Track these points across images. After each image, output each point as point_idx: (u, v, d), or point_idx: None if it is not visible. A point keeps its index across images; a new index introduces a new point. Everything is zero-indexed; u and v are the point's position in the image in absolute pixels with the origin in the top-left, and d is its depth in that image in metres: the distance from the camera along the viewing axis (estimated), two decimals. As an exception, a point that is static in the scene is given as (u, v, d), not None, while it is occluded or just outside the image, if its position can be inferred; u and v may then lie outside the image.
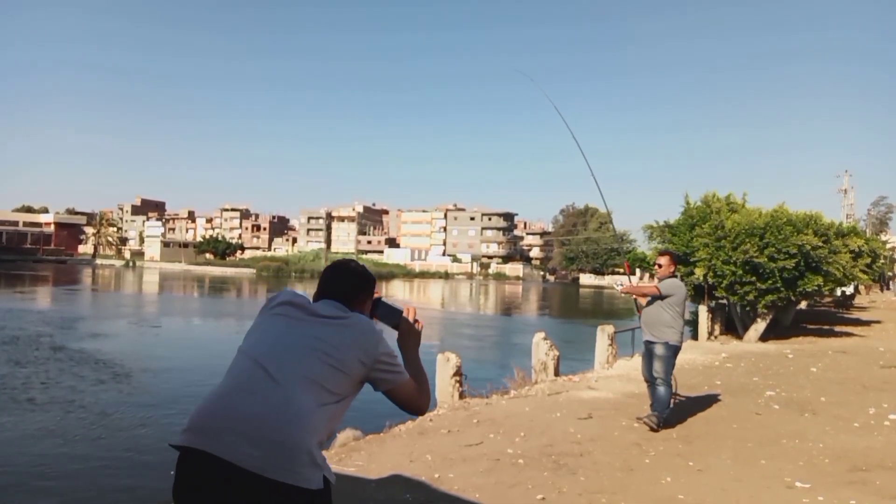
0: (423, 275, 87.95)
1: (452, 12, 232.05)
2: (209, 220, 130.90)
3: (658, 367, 6.19)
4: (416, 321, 2.00)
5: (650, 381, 6.34)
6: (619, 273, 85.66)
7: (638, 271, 47.28)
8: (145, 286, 51.11)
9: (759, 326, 14.67)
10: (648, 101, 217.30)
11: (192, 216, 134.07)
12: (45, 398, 10.85)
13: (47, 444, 8.37)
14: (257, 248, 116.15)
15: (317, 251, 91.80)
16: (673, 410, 6.55)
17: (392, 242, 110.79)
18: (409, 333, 1.96)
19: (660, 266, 6.38)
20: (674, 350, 6.22)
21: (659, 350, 6.21)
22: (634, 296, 6.61)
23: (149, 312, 29.88)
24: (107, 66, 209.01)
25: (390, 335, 1.95)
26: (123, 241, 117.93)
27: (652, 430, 6.06)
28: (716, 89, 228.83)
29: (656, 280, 6.47)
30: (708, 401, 7.56)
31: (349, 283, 1.93)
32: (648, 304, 6.37)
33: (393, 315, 1.94)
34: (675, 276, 6.48)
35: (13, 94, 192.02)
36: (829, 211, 63.71)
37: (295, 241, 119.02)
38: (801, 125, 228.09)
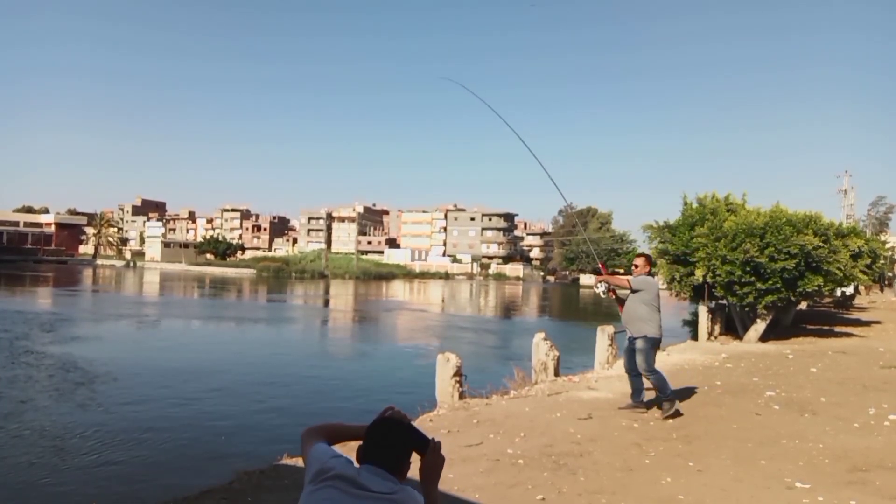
0: (424, 275, 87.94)
1: (452, 16, 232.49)
2: (209, 221, 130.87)
3: (640, 360, 6.69)
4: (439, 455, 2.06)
5: (631, 373, 6.90)
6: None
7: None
8: (146, 287, 51.10)
9: (759, 327, 14.64)
10: (651, 102, 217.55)
11: (192, 216, 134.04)
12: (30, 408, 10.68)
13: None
14: (258, 249, 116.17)
15: (317, 251, 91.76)
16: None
17: (392, 243, 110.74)
18: (433, 467, 2.01)
19: (636, 266, 7.02)
20: (652, 342, 6.73)
21: (639, 344, 6.72)
22: (611, 291, 7.22)
23: (148, 314, 29.88)
24: (107, 69, 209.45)
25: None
26: (124, 241, 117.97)
27: (677, 413, 6.60)
28: (717, 91, 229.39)
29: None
30: (708, 401, 7.56)
31: (394, 454, 1.96)
32: (627, 302, 6.95)
33: (422, 445, 1.99)
34: (651, 275, 7.06)
35: (14, 95, 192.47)
36: (829, 211, 63.73)
37: (295, 241, 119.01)
38: (801, 126, 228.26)
